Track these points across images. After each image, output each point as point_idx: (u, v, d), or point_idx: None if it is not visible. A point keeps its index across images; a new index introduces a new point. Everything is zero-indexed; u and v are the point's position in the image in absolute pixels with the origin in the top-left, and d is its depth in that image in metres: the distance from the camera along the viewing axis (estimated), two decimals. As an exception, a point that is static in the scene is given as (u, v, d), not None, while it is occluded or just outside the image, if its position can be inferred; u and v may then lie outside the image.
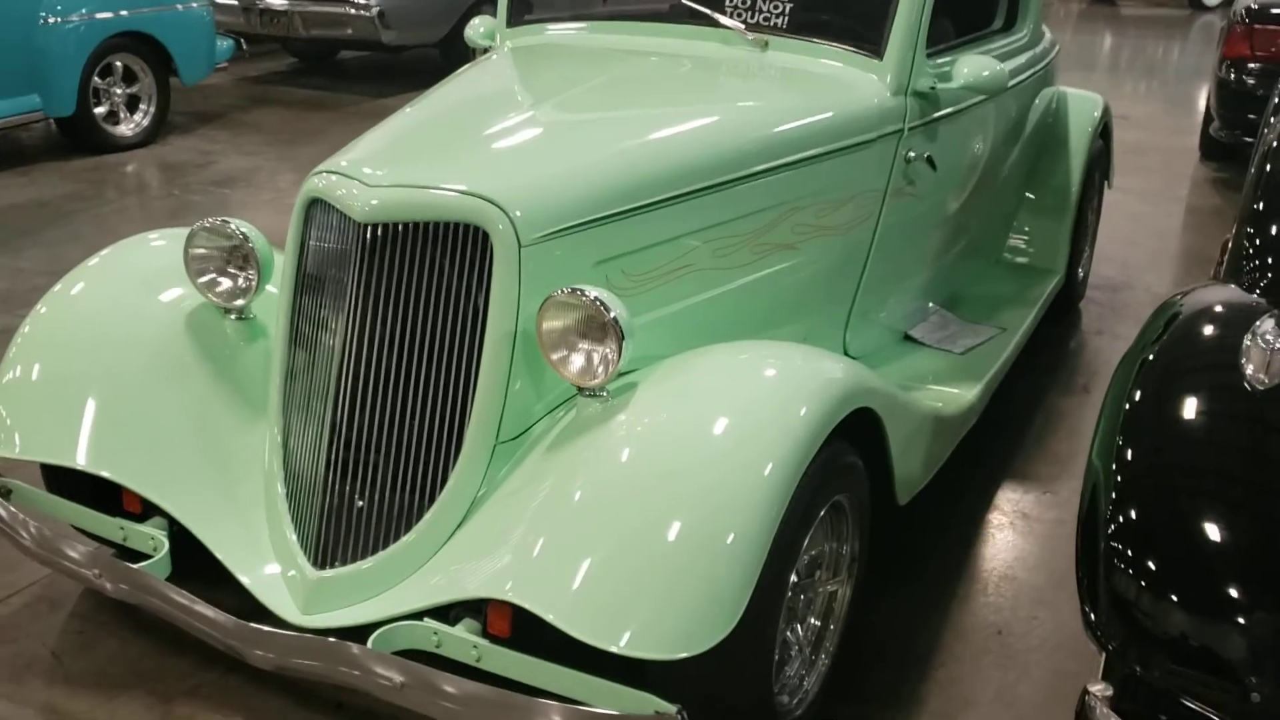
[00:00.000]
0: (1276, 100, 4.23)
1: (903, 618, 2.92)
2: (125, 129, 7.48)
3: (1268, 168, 3.31)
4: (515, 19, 3.67)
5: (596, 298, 2.25)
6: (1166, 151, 7.97)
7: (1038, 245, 4.57)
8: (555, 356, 2.31)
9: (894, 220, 3.36)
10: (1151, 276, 5.46)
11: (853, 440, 2.42)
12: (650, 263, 2.61)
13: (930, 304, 3.94)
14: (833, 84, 3.19)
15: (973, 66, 3.28)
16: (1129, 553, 1.94)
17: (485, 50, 3.72)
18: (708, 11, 3.40)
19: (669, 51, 3.38)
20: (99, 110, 7.29)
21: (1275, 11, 6.59)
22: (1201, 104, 8.20)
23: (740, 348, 2.47)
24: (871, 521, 2.60)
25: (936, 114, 3.39)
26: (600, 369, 2.29)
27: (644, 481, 2.09)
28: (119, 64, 7.37)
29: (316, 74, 10.24)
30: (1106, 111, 4.83)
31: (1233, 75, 6.64)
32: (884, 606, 2.93)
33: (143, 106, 7.58)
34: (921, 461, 2.90)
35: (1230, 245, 3.42)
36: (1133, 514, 2.00)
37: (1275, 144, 3.98)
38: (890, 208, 3.33)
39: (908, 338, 3.76)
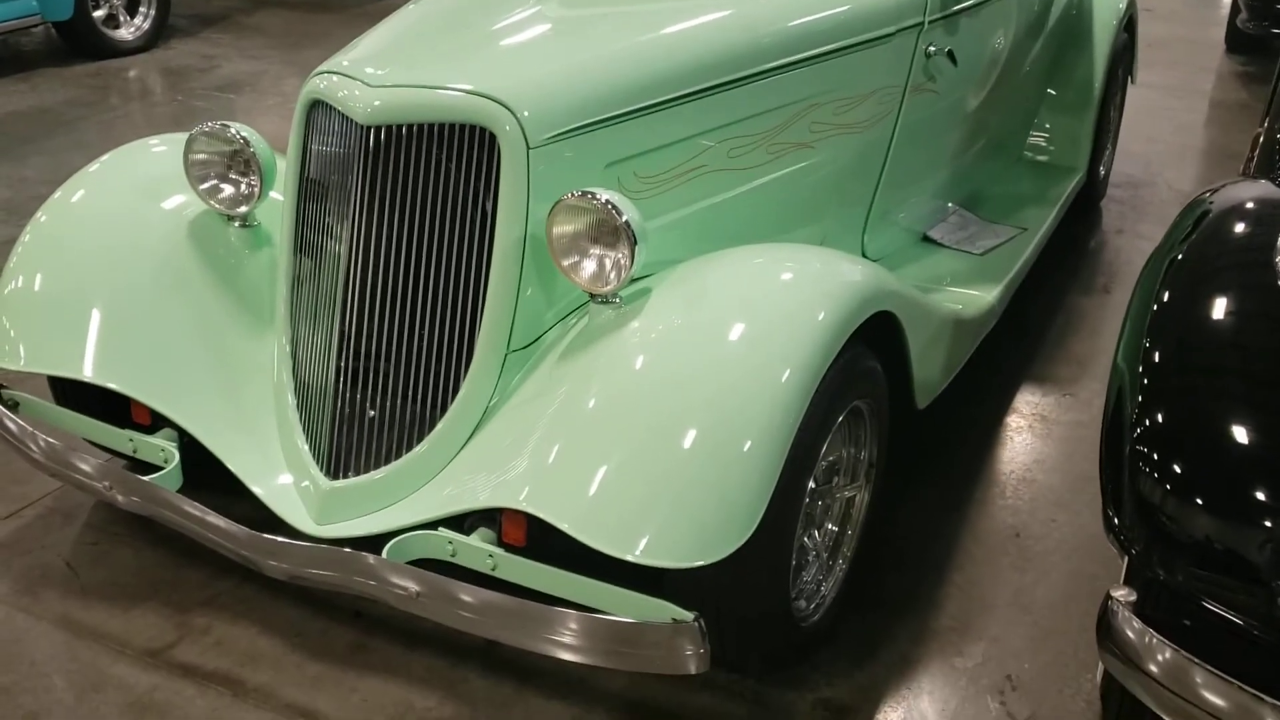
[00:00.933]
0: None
1: (920, 522, 2.90)
2: (125, 33, 7.33)
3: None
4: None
5: (608, 201, 2.18)
6: (1191, 44, 7.76)
7: (1059, 143, 4.46)
8: (566, 262, 2.25)
9: (913, 118, 3.27)
10: (1174, 173, 5.34)
11: (871, 344, 2.37)
12: (663, 164, 2.54)
13: (950, 204, 3.86)
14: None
15: (996, -44, 3.17)
16: (1154, 456, 1.89)
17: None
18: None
19: None
20: (98, 14, 7.14)
21: (1308, -105, 6.34)
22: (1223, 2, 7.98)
23: (756, 251, 2.40)
24: (890, 427, 2.56)
25: (958, 6, 3.27)
26: (613, 275, 2.23)
27: (659, 388, 2.05)
28: (116, -35, 7.21)
29: (319, -26, 10.02)
30: (1132, 3, 4.68)
31: (1262, -37, 6.42)
32: (902, 511, 2.91)
33: (143, 9, 7.42)
34: (941, 366, 2.85)
35: (1261, 140, 3.32)
36: (1159, 417, 1.95)
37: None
38: (910, 105, 3.23)
39: (927, 239, 3.69)
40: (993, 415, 3.41)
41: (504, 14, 2.75)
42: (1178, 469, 1.87)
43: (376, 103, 2.28)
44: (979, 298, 3.31)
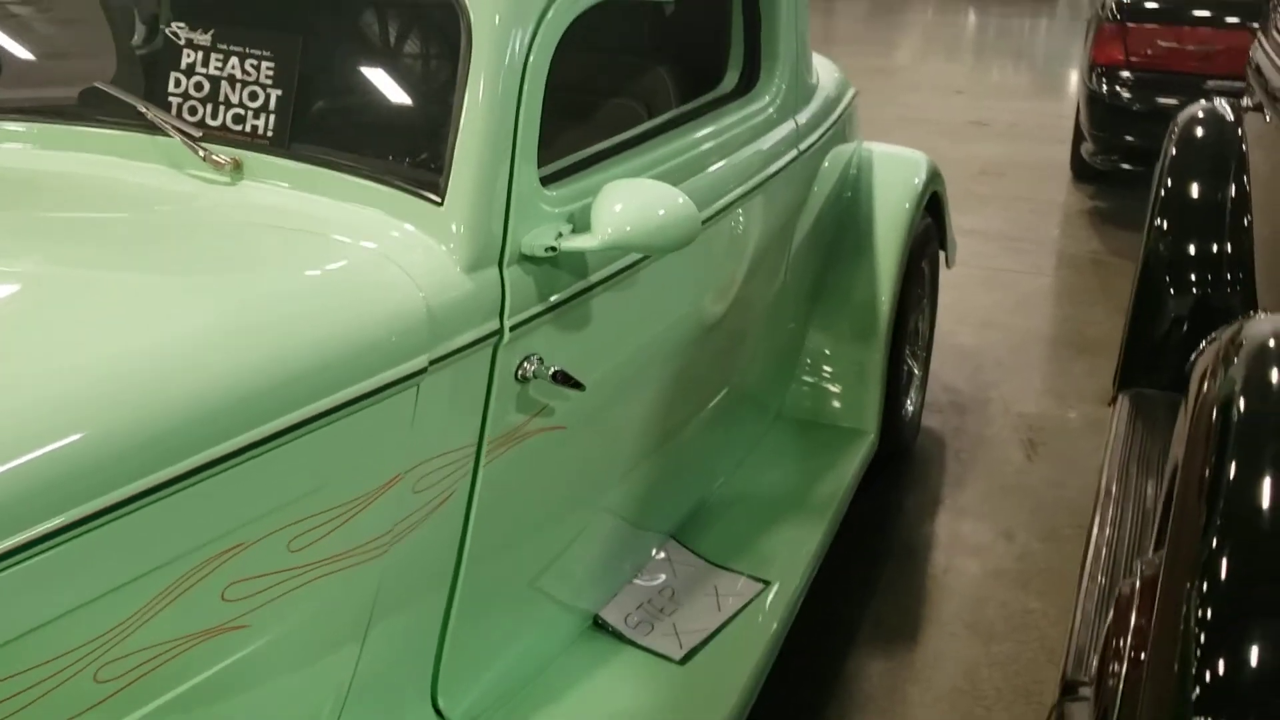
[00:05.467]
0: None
1: None
2: None
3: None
4: None
5: None
6: (1034, 170, 6.58)
7: (835, 393, 3.05)
8: None
9: (511, 478, 1.81)
10: (1015, 384, 3.99)
11: None
12: None
13: (651, 540, 2.41)
14: (336, 258, 1.62)
15: (630, 204, 1.72)
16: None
17: None
18: (139, 105, 1.79)
19: (66, 184, 1.79)
20: None
21: (1152, 6, 5.16)
22: (1073, 99, 6.83)
23: None
24: None
25: (576, 286, 1.83)
26: None
27: None
28: None
29: None
30: (934, 177, 3.32)
31: (1105, 86, 5.21)
32: None
33: None
34: None
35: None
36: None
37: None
38: (498, 466, 1.77)
39: (599, 624, 2.21)
40: None
41: None
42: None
43: None
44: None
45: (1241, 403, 1.39)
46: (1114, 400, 2.83)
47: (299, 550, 1.49)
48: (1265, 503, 1.21)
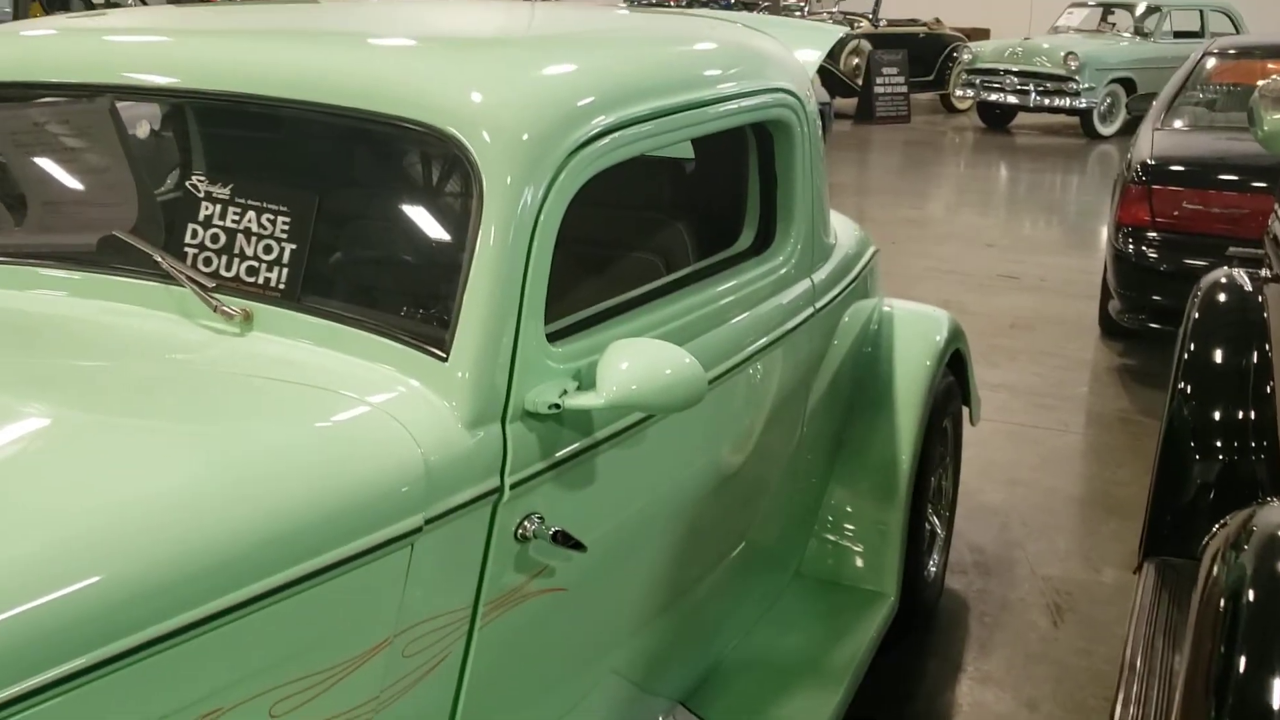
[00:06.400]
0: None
1: None
2: None
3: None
4: None
5: None
6: (1061, 326, 6.55)
7: (855, 553, 2.99)
8: None
9: (509, 642, 1.76)
10: (1041, 544, 3.90)
11: None
12: None
13: (658, 706, 2.33)
14: (337, 413, 1.61)
15: (636, 363, 1.71)
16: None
17: None
18: (156, 254, 1.82)
19: (77, 329, 1.81)
20: None
21: (1178, 169, 5.21)
22: (1102, 255, 6.85)
23: None
24: None
25: (580, 444, 1.81)
26: None
27: None
28: None
29: None
30: (955, 335, 3.30)
31: (1131, 246, 5.22)
32: None
33: None
34: None
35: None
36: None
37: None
38: (494, 629, 1.72)
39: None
40: None
41: None
42: None
43: None
44: None
45: (1250, 594, 1.34)
46: (1139, 568, 2.75)
47: (280, 716, 1.44)
48: (1274, 702, 1.15)
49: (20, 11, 9.63)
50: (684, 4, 20.49)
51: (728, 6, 20.56)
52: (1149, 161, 5.25)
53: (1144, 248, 5.16)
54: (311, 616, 1.44)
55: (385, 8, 2.85)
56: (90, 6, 10.56)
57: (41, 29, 2.34)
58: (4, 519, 1.33)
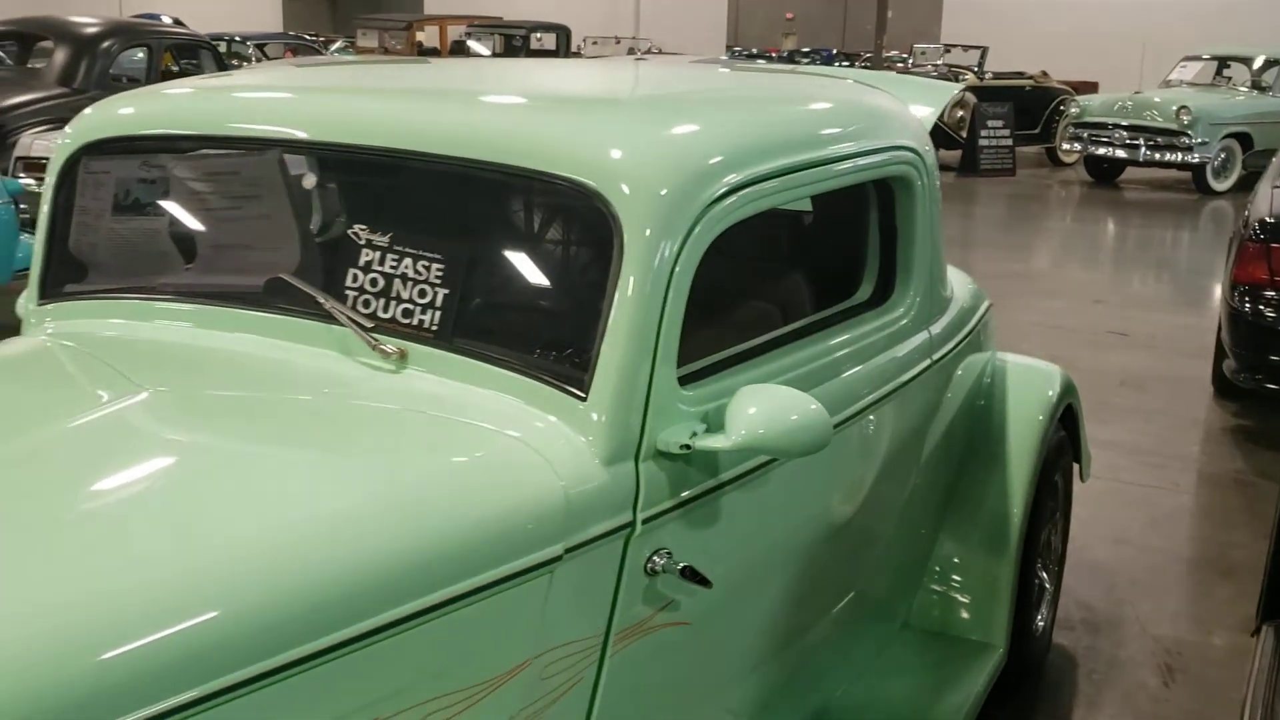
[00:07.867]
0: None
1: None
2: None
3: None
4: (51, 290, 2.25)
5: None
6: (1174, 383, 6.46)
7: (964, 604, 3.01)
8: None
9: (635, 671, 1.85)
10: (1151, 605, 3.86)
11: None
12: None
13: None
14: (484, 446, 1.72)
15: (764, 408, 1.80)
16: None
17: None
18: (319, 296, 1.96)
19: (245, 364, 1.95)
20: None
21: (1298, 227, 5.14)
22: (1214, 313, 6.73)
23: None
24: None
25: (708, 483, 1.89)
26: None
27: None
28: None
29: None
30: (1068, 390, 3.32)
31: (1247, 304, 5.15)
32: None
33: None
34: None
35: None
36: None
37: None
38: (623, 658, 1.81)
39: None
40: None
41: None
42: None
43: None
44: None
45: None
46: (1257, 630, 2.72)
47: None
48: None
49: (154, 61, 10.12)
50: (784, 58, 20.60)
51: (828, 60, 20.66)
52: (1268, 219, 5.18)
53: (1261, 306, 5.09)
54: (461, 635, 1.55)
55: (494, 67, 3.01)
56: (221, 66, 11.06)
57: (219, 85, 2.53)
58: (185, 535, 1.46)
